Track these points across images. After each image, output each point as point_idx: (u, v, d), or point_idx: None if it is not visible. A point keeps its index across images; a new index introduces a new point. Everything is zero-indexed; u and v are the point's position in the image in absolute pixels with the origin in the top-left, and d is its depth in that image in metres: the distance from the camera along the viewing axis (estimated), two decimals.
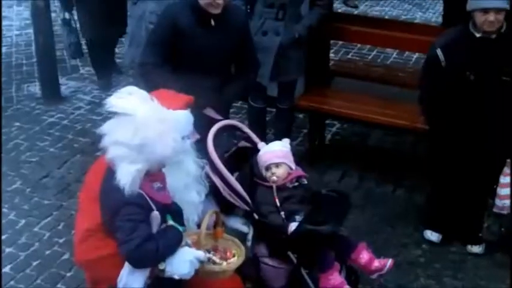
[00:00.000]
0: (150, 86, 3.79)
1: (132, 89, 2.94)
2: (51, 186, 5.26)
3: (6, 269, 4.33)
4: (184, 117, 3.19)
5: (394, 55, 7.50)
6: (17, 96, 6.76)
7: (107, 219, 2.91)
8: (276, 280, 3.71)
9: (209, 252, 3.11)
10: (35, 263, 4.41)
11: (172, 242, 2.91)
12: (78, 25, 6.52)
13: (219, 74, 4.20)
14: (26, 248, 4.56)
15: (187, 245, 3.00)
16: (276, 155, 3.75)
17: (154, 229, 2.89)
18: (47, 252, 4.51)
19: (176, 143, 2.89)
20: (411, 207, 4.98)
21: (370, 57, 7.56)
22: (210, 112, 3.93)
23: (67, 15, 6.43)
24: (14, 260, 4.43)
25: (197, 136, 3.67)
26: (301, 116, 6.02)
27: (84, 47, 6.80)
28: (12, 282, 4.24)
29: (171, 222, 2.99)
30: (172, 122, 2.92)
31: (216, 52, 4.13)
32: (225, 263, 3.14)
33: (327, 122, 5.91)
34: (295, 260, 3.62)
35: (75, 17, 6.54)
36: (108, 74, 6.82)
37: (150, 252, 2.81)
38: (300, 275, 3.64)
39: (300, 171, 3.78)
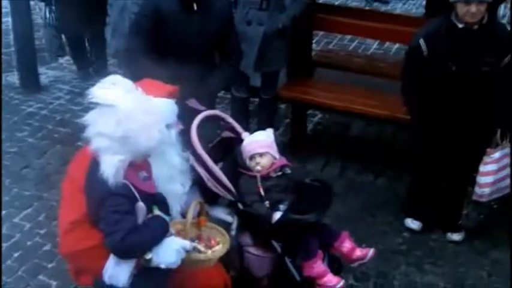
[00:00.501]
0: (134, 74, 3.82)
1: (116, 78, 2.92)
2: (31, 177, 5.21)
3: None
4: (168, 106, 3.18)
5: (375, 46, 7.55)
6: None
7: (92, 211, 2.90)
8: (260, 269, 3.73)
9: (193, 241, 3.11)
10: (16, 254, 4.37)
11: (157, 232, 2.91)
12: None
13: (203, 62, 4.21)
14: (6, 239, 4.50)
15: (171, 234, 3.00)
16: (260, 144, 3.75)
17: (140, 219, 2.88)
18: (28, 243, 4.47)
19: (161, 134, 2.88)
20: (392, 196, 5.02)
21: (350, 47, 7.59)
22: (193, 103, 3.92)
23: (47, 13, 6.36)
24: None
25: (180, 126, 3.67)
26: (283, 106, 6.03)
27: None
28: None
29: (157, 212, 2.99)
30: (156, 113, 2.91)
31: (199, 37, 4.14)
32: (209, 252, 3.15)
33: (309, 112, 5.93)
34: (279, 249, 3.63)
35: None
36: (88, 65, 6.76)
37: (135, 243, 2.81)
38: (284, 263, 3.65)
39: (283, 161, 3.79)
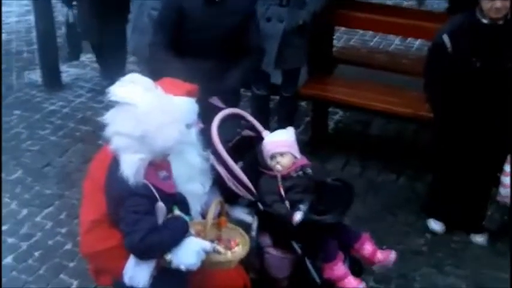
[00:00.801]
0: (157, 69, 3.92)
1: (135, 77, 2.90)
2: (52, 175, 5.23)
3: (8, 260, 4.31)
4: (188, 105, 3.16)
5: (396, 41, 7.45)
6: (18, 84, 6.71)
7: (112, 210, 2.89)
8: (280, 270, 3.71)
9: (213, 242, 3.09)
10: (37, 254, 4.39)
11: (177, 233, 2.89)
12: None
13: (224, 55, 4.20)
14: (28, 238, 4.53)
15: (191, 235, 2.98)
16: (281, 144, 3.72)
17: (160, 220, 2.87)
18: (50, 242, 4.49)
19: (180, 133, 2.85)
20: (414, 195, 4.96)
21: (372, 43, 7.51)
22: (215, 100, 3.90)
23: (70, 15, 6.27)
24: (15, 251, 4.40)
25: (201, 125, 3.66)
26: (303, 104, 5.99)
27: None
28: (14, 273, 4.22)
29: (177, 212, 2.97)
30: (175, 111, 2.88)
31: (220, 30, 4.14)
32: (229, 253, 3.13)
33: (330, 110, 5.88)
34: (299, 250, 3.61)
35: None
36: (110, 65, 6.70)
37: (155, 244, 2.80)
38: (304, 264, 3.63)
39: (304, 160, 3.76)
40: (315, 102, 5.48)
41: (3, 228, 4.61)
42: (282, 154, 3.68)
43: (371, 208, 4.84)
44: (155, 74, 3.51)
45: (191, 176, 3.28)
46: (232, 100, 4.14)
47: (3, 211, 4.77)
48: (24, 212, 4.80)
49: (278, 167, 3.67)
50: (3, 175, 5.18)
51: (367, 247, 3.64)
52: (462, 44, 3.98)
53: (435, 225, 4.57)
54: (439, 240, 4.53)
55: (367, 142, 5.71)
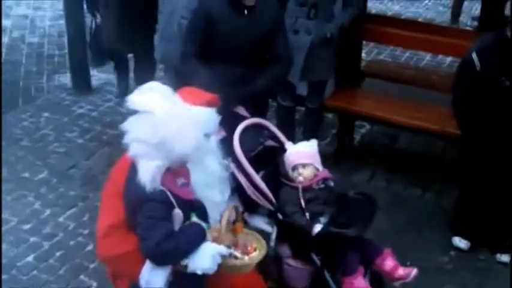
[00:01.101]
0: (188, 76, 4.01)
1: (154, 85, 2.91)
2: (77, 177, 5.27)
3: (29, 259, 4.36)
4: (206, 115, 3.17)
5: (428, 58, 7.39)
6: (48, 87, 6.81)
7: (129, 215, 2.90)
8: (299, 281, 3.68)
9: (230, 248, 3.07)
10: (58, 254, 4.42)
11: (193, 240, 2.89)
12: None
13: (252, 64, 4.22)
14: (50, 237, 4.57)
15: (207, 241, 2.97)
16: (304, 155, 3.70)
17: (177, 226, 2.87)
18: (71, 242, 4.52)
19: (197, 140, 2.85)
20: (439, 211, 4.89)
21: (403, 58, 7.46)
22: (240, 109, 3.91)
23: (94, 24, 6.21)
24: (37, 250, 4.45)
25: (223, 133, 3.66)
26: (330, 115, 5.96)
27: None
28: (35, 272, 4.26)
29: (194, 219, 2.97)
30: (192, 119, 2.88)
31: (248, 39, 4.16)
32: (246, 257, 3.11)
33: (357, 122, 5.84)
34: (318, 262, 3.58)
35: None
36: (126, 84, 6.59)
37: (170, 250, 2.80)
38: (323, 277, 3.60)
39: (326, 173, 3.73)
40: (341, 114, 5.45)
41: (26, 227, 4.68)
42: (304, 166, 3.67)
43: (395, 222, 4.79)
44: (185, 82, 3.56)
45: (210, 183, 3.29)
46: (260, 109, 4.14)
47: (27, 210, 4.85)
48: (48, 212, 4.84)
49: (300, 178, 3.65)
50: (28, 175, 5.26)
51: (389, 262, 3.59)
52: (491, 62, 3.93)
53: (460, 242, 4.50)
54: (463, 258, 4.46)
55: (394, 156, 5.66)
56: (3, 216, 4.76)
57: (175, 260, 2.88)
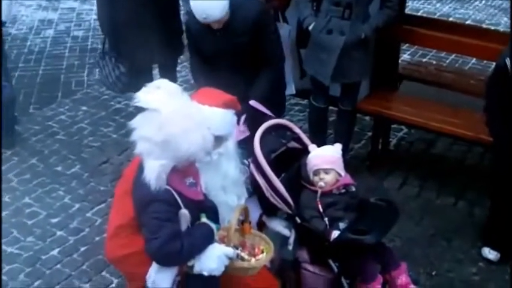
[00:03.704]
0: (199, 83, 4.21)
1: (161, 82, 2.89)
2: (109, 173, 5.31)
3: (54, 252, 4.42)
4: (221, 116, 3.13)
5: (473, 61, 7.18)
6: (88, 81, 6.87)
7: (136, 214, 2.89)
8: (316, 287, 3.61)
9: (237, 249, 3.04)
10: (82, 249, 4.46)
11: (199, 241, 2.87)
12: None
13: (244, 73, 4.24)
14: (76, 232, 4.62)
15: (215, 241, 2.95)
16: (326, 160, 3.63)
17: (184, 226, 2.84)
18: (97, 238, 4.54)
19: (205, 140, 2.81)
20: (471, 221, 4.74)
21: (447, 61, 7.26)
22: (256, 104, 3.87)
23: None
24: (62, 244, 4.50)
25: (247, 133, 3.62)
26: (368, 118, 5.85)
27: None
28: (58, 266, 4.31)
29: (204, 219, 2.94)
30: (201, 118, 2.84)
31: (228, 53, 4.21)
32: (253, 259, 3.07)
33: (395, 126, 5.72)
34: (335, 268, 3.52)
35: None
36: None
37: (174, 251, 2.77)
38: (341, 284, 3.53)
39: (348, 179, 3.65)
40: (376, 117, 5.33)
41: (54, 220, 4.73)
42: (326, 171, 3.60)
43: (425, 231, 4.67)
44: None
45: (226, 186, 3.27)
46: (276, 108, 4.12)
47: (57, 204, 4.91)
48: (77, 206, 4.89)
49: (321, 183, 3.59)
50: (60, 168, 5.33)
51: (403, 278, 3.53)
52: None
53: (490, 253, 4.36)
54: (492, 270, 4.31)
55: (429, 162, 5.51)
56: (33, 208, 4.85)
57: (180, 261, 2.86)
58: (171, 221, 2.78)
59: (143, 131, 2.77)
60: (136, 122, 2.82)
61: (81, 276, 4.23)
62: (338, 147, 3.75)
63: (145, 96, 2.78)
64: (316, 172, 3.61)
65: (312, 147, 3.75)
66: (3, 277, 4.14)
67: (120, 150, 5.62)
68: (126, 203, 2.94)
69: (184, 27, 4.62)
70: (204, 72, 4.33)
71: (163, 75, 5.40)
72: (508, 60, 3.82)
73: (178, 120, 2.74)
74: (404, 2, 5.29)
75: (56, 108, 6.28)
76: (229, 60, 4.23)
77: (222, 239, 2.99)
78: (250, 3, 4.26)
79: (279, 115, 4.15)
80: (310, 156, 3.68)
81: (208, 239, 2.89)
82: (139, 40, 4.94)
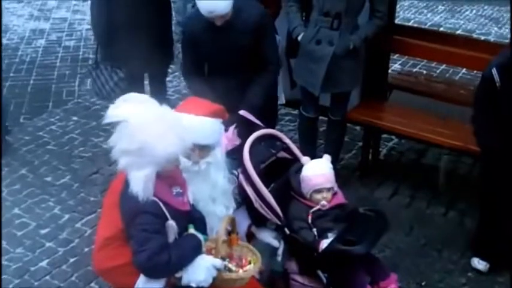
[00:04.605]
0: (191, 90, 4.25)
1: (128, 96, 2.90)
2: (99, 183, 5.29)
3: (43, 264, 4.39)
4: (208, 125, 3.13)
5: (463, 71, 7.21)
6: (79, 91, 6.87)
7: (124, 227, 2.88)
8: None
9: (224, 260, 3.04)
10: (72, 260, 4.43)
11: (187, 253, 2.86)
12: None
13: (242, 73, 4.29)
14: (65, 243, 4.59)
15: (202, 253, 2.94)
16: (329, 179, 3.64)
17: (171, 238, 2.84)
18: (86, 249, 4.51)
19: (181, 139, 2.81)
20: (461, 232, 4.74)
21: (438, 71, 7.30)
22: (245, 113, 3.88)
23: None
24: (52, 255, 4.47)
25: (236, 142, 3.62)
26: (358, 128, 5.86)
27: None
28: (47, 277, 4.28)
29: (192, 230, 2.94)
30: (171, 119, 2.85)
31: (231, 51, 4.24)
32: (241, 271, 3.07)
33: (385, 135, 5.73)
34: (324, 279, 3.51)
35: None
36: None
37: (162, 263, 2.77)
38: None
39: (342, 198, 3.68)
40: (366, 127, 5.34)
41: (44, 231, 4.71)
42: (328, 189, 3.62)
43: (415, 241, 4.67)
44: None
45: (214, 197, 3.26)
46: (268, 117, 4.17)
47: (47, 215, 4.89)
48: (66, 217, 4.87)
49: (324, 202, 3.59)
50: (50, 179, 5.30)
51: None
52: (511, 78, 3.79)
53: (479, 264, 4.36)
54: (481, 281, 4.30)
55: (420, 172, 5.52)
56: (23, 219, 4.82)
57: (168, 273, 2.86)
58: (159, 233, 2.78)
59: (119, 144, 2.80)
60: (113, 140, 2.84)
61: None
62: (328, 159, 3.74)
63: (112, 111, 2.80)
64: (319, 191, 3.61)
65: (305, 159, 3.75)
66: None
67: (110, 160, 5.41)
68: (114, 215, 2.93)
69: (179, 32, 4.70)
70: (199, 75, 4.35)
71: (153, 84, 5.44)
72: (494, 71, 3.83)
73: (148, 125, 2.75)
74: (394, 12, 5.30)
75: (46, 118, 6.27)
76: (228, 60, 4.25)
77: (209, 251, 2.99)
78: (252, 6, 4.33)
79: (272, 121, 4.18)
80: (309, 174, 3.64)
81: (196, 250, 2.89)
82: (133, 47, 4.94)
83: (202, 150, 3.12)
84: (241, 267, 3.07)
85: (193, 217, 2.99)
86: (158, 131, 2.75)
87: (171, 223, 2.80)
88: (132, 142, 2.74)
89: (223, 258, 3.01)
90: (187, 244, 2.87)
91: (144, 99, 2.89)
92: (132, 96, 2.89)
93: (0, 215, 4.61)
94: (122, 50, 4.98)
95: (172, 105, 3.14)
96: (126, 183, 2.82)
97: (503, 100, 3.82)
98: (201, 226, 3.01)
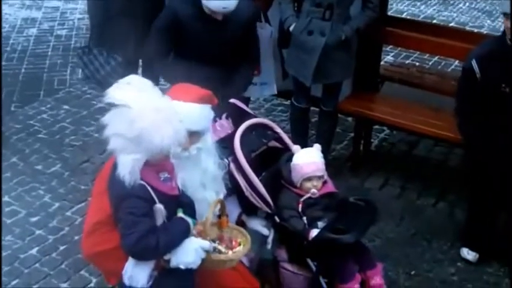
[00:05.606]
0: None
1: (132, 78, 2.90)
2: (89, 172, 5.27)
3: (32, 251, 4.37)
4: (196, 111, 3.13)
5: (456, 63, 7.22)
6: (71, 79, 6.84)
7: (113, 211, 2.88)
8: (294, 286, 3.62)
9: (214, 242, 3.04)
10: (62, 248, 4.42)
11: (175, 236, 2.86)
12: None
13: (226, 64, 4.36)
14: (55, 231, 4.57)
15: (192, 235, 2.94)
16: (320, 167, 3.65)
17: (160, 221, 2.85)
18: (76, 237, 4.47)
19: (177, 132, 2.81)
20: (451, 222, 4.76)
21: (430, 63, 7.31)
22: (237, 102, 3.91)
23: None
24: (42, 243, 4.45)
25: (228, 130, 3.63)
26: (349, 119, 5.87)
27: None
28: (37, 265, 4.27)
29: (180, 214, 2.94)
30: (170, 111, 2.84)
31: (221, 43, 4.29)
32: (230, 252, 3.07)
33: (377, 126, 5.74)
34: (313, 268, 3.52)
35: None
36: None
37: (150, 246, 2.77)
38: (319, 283, 3.54)
39: (332, 187, 3.68)
40: (357, 118, 5.35)
41: (34, 219, 4.69)
42: (319, 177, 3.62)
43: (405, 231, 4.68)
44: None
45: (204, 182, 3.25)
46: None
47: (37, 203, 4.87)
48: (56, 205, 4.85)
49: (314, 190, 3.59)
50: (41, 167, 5.29)
51: (377, 279, 3.55)
52: (491, 69, 3.80)
53: (468, 254, 4.37)
54: (471, 271, 4.32)
55: (411, 163, 5.53)
56: (13, 207, 4.81)
57: (157, 256, 2.86)
58: (147, 216, 2.78)
59: (115, 127, 2.78)
60: (107, 119, 2.82)
61: (60, 276, 4.19)
62: (319, 148, 3.75)
63: (115, 92, 2.78)
64: (310, 179, 3.61)
65: (296, 148, 3.74)
66: None
67: (101, 149, 5.55)
68: (103, 201, 2.93)
69: (165, 15, 4.45)
70: (185, 64, 4.30)
71: (146, 72, 5.41)
72: (474, 62, 3.84)
73: (149, 115, 2.74)
74: (386, 4, 5.31)
75: (37, 107, 6.24)
76: (215, 50, 4.30)
77: (199, 233, 2.99)
78: (245, 4, 4.34)
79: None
80: (300, 162, 3.64)
81: (184, 233, 2.89)
82: (130, 32, 4.94)
83: (192, 136, 3.11)
84: (231, 249, 3.07)
85: (182, 202, 2.99)
86: (158, 121, 2.74)
87: (159, 206, 2.81)
88: (130, 129, 2.73)
89: (213, 241, 3.01)
90: (175, 227, 2.87)
91: (146, 86, 2.87)
92: (136, 79, 2.88)
93: (0, 213, 4.60)
94: (120, 34, 4.97)
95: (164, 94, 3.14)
96: (115, 167, 2.81)
97: (484, 90, 3.83)
98: (191, 211, 3.01)
